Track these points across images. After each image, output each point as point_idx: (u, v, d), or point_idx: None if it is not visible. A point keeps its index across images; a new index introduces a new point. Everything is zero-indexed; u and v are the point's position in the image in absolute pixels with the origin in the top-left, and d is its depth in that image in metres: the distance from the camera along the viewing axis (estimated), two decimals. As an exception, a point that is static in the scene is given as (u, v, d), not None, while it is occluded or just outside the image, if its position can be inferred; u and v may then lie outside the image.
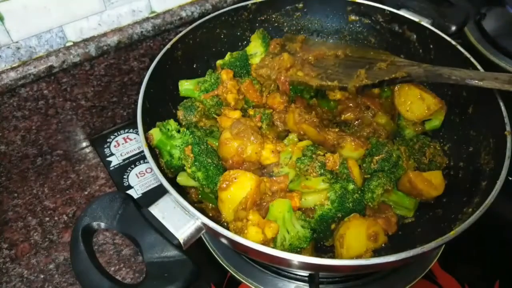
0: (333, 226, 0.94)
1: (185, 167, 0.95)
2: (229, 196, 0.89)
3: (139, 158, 1.35)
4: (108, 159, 1.35)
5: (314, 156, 0.96)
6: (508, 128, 0.89)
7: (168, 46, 1.08)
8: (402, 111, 1.09)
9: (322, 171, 0.94)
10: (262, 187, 0.92)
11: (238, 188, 0.89)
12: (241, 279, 1.03)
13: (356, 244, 0.88)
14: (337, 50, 1.14)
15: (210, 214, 0.98)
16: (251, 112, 1.09)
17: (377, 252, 0.90)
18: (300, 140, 1.03)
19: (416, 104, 1.07)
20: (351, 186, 0.93)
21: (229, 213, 0.91)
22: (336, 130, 1.04)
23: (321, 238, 0.96)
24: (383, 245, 0.91)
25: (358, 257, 0.87)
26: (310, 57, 1.13)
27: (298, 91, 1.16)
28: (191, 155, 0.94)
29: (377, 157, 0.98)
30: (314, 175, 0.94)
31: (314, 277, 0.96)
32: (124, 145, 1.39)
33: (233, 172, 0.91)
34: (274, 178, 0.96)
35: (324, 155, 0.96)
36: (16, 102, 1.18)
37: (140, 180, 1.29)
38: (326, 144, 1.03)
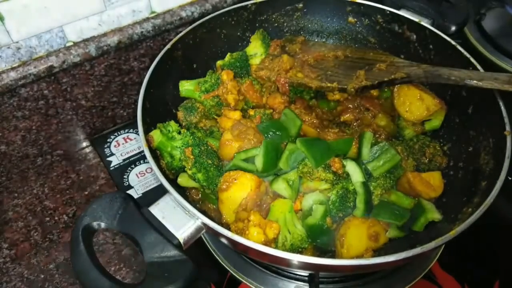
0: (334, 226, 0.94)
1: (185, 169, 0.95)
2: (229, 197, 0.89)
3: (139, 158, 1.35)
4: (108, 159, 1.35)
5: None
6: (507, 128, 0.89)
7: (168, 46, 1.08)
8: (402, 112, 1.09)
9: (325, 174, 0.93)
10: (262, 187, 0.92)
11: (238, 189, 0.89)
12: (241, 279, 1.03)
13: (356, 244, 0.88)
14: (337, 51, 1.14)
15: (212, 215, 0.98)
16: (251, 112, 1.09)
17: (377, 252, 0.90)
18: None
19: (416, 105, 1.07)
20: (351, 186, 0.93)
21: (229, 214, 0.91)
22: (336, 130, 1.03)
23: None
24: (383, 245, 0.92)
25: (359, 257, 0.87)
26: (309, 58, 1.13)
27: (298, 92, 1.16)
28: (191, 156, 0.94)
29: (376, 157, 0.98)
30: (318, 177, 0.93)
31: (314, 277, 0.96)
32: (124, 145, 1.39)
33: (233, 173, 0.91)
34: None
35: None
36: (16, 102, 1.18)
37: (140, 180, 1.29)
38: (326, 145, 1.03)
